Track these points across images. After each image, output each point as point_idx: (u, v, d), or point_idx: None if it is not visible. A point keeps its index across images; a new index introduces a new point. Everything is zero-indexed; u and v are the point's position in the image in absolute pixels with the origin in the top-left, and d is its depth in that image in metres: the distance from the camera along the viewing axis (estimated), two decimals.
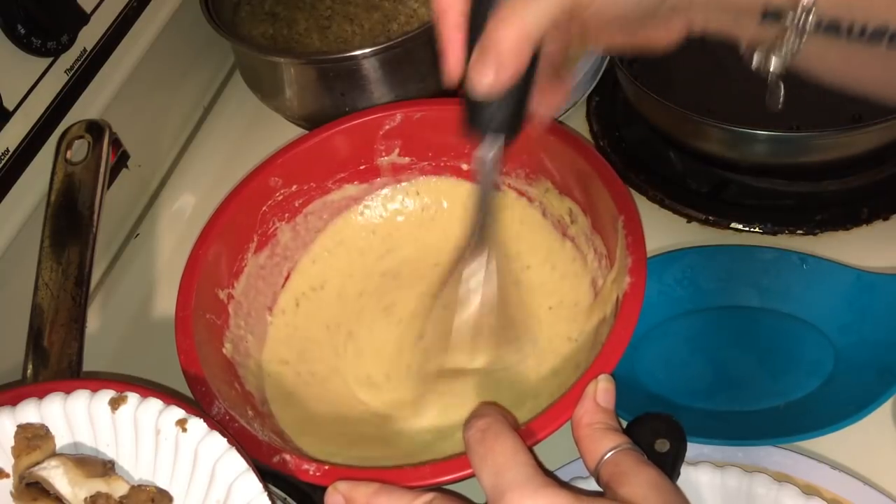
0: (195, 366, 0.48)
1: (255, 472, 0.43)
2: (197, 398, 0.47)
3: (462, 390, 0.52)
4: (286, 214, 0.59)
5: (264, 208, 0.57)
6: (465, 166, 0.60)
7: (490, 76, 0.36)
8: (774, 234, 0.62)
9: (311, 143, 0.58)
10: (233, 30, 0.70)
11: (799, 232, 0.61)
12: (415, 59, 0.66)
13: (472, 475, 0.40)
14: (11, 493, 0.44)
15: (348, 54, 0.64)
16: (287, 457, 0.44)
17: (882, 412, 0.50)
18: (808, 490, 0.47)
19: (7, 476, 0.45)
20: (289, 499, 0.51)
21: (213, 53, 0.81)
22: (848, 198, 0.62)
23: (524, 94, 0.39)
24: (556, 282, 0.57)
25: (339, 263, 0.61)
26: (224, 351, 0.52)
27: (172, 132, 0.77)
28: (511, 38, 0.35)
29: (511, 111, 0.39)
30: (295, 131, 0.74)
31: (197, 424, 0.44)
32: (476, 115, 0.39)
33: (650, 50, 0.40)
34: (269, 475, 0.49)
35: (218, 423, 0.44)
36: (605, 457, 0.40)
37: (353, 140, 0.59)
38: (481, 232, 0.45)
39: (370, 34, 0.69)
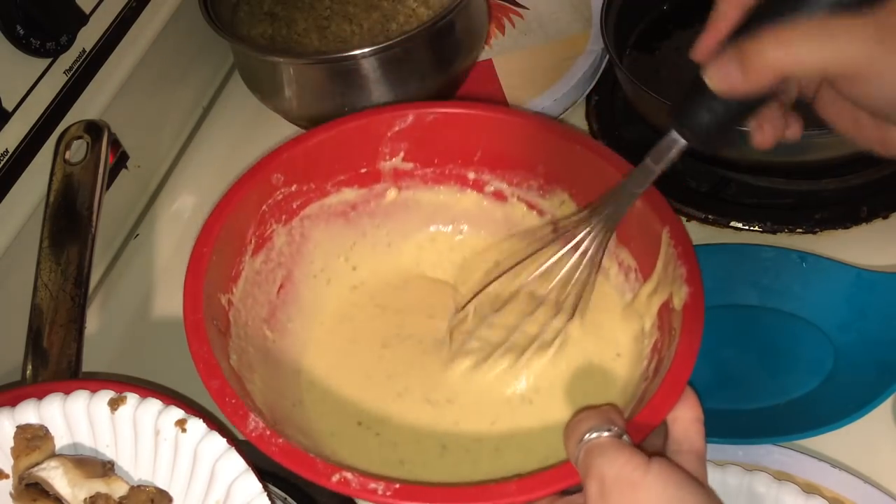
0: (218, 375, 0.43)
1: (254, 472, 0.43)
2: (227, 413, 0.42)
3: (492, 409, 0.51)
4: (283, 216, 0.55)
5: (264, 207, 0.54)
6: (471, 175, 0.57)
7: (730, 79, 0.35)
8: (774, 232, 0.62)
9: (317, 140, 0.54)
10: (232, 30, 0.70)
11: (798, 230, 0.61)
12: (414, 58, 0.66)
13: (560, 489, 0.39)
14: (11, 493, 0.45)
15: (347, 54, 0.64)
16: (349, 475, 0.39)
17: (882, 410, 0.50)
18: (809, 488, 0.47)
19: (7, 477, 0.45)
20: (289, 499, 0.51)
21: (212, 54, 0.81)
22: (847, 196, 0.62)
23: (739, 115, 0.38)
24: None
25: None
26: (231, 362, 0.48)
27: (171, 132, 0.77)
28: (771, 60, 0.34)
29: (717, 123, 0.38)
30: (294, 131, 0.74)
31: (196, 425, 0.44)
32: (686, 107, 0.39)
33: None
34: (268, 475, 0.49)
35: (256, 441, 0.40)
36: (583, 439, 0.38)
37: (361, 139, 0.56)
38: (603, 224, 0.46)
39: (369, 34, 0.69)
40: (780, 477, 0.47)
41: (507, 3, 0.78)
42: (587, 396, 0.51)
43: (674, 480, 0.35)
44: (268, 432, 0.41)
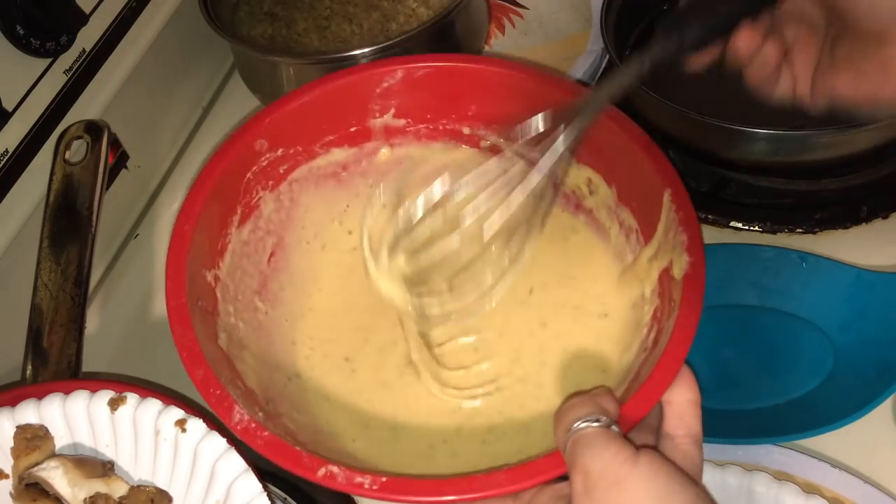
0: (202, 364, 0.41)
1: (254, 472, 0.43)
2: (212, 405, 0.41)
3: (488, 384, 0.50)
4: (270, 182, 0.53)
5: (249, 175, 0.51)
6: (466, 130, 0.55)
7: None
8: (774, 232, 0.62)
9: (302, 101, 0.52)
10: (232, 30, 0.70)
11: (798, 230, 0.61)
12: None
13: (550, 479, 0.38)
14: (11, 493, 0.45)
15: (347, 54, 0.64)
16: (335, 469, 0.38)
17: (882, 410, 0.50)
18: (808, 488, 0.47)
19: (6, 477, 0.45)
20: (289, 499, 0.51)
21: (212, 53, 0.81)
22: (847, 196, 0.62)
23: (724, 27, 0.40)
24: (566, 258, 0.54)
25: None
26: (220, 343, 0.46)
27: (171, 132, 0.77)
28: None
29: (700, 25, 0.40)
30: None
31: (196, 424, 0.44)
32: (680, 15, 0.41)
33: (879, 92, 0.38)
34: (268, 475, 0.49)
35: (241, 435, 0.39)
36: (571, 429, 0.37)
37: (348, 98, 0.53)
38: (569, 128, 0.43)
39: (369, 34, 0.69)
40: (780, 477, 0.47)
41: (507, 3, 0.78)
42: (578, 372, 0.50)
43: (662, 475, 0.34)
44: (252, 425, 0.40)
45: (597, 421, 0.36)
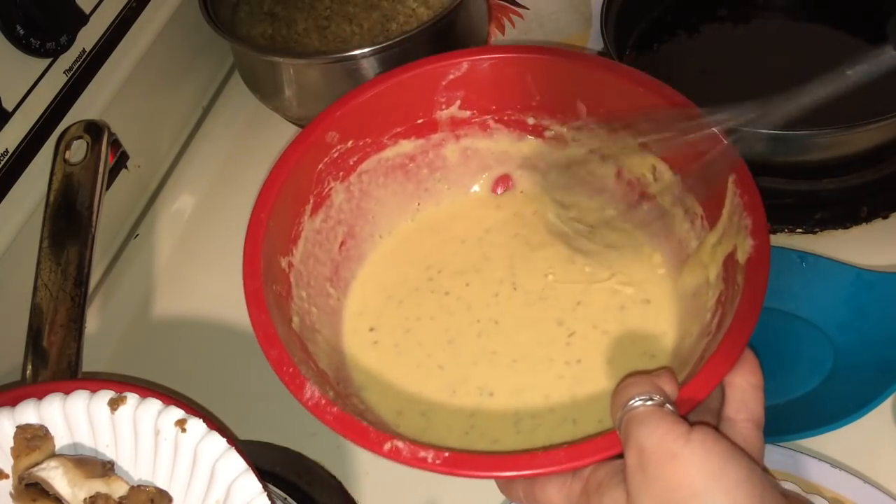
0: (277, 345, 0.43)
1: (254, 472, 0.43)
2: (285, 382, 0.42)
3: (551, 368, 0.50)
4: (340, 173, 0.55)
5: (320, 166, 0.53)
6: (530, 120, 0.56)
7: None
8: (774, 232, 0.62)
9: (371, 94, 0.54)
10: (232, 30, 0.70)
11: (798, 230, 0.61)
12: (414, 58, 0.66)
13: (608, 457, 0.38)
14: (11, 493, 0.44)
15: (347, 54, 0.64)
16: (400, 444, 0.39)
17: (882, 410, 0.50)
18: (809, 489, 0.47)
19: (6, 477, 0.45)
20: (289, 499, 0.51)
21: (212, 54, 0.81)
22: (847, 196, 0.62)
23: None
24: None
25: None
26: (293, 326, 0.48)
27: (171, 133, 0.77)
28: None
29: None
30: (295, 131, 0.74)
31: (196, 424, 0.44)
32: None
33: None
34: (268, 475, 0.49)
35: (312, 410, 0.41)
36: (625, 407, 0.37)
37: (415, 90, 0.55)
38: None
39: (369, 34, 0.69)
40: (780, 477, 0.47)
41: (507, 3, 0.78)
42: (625, 361, 0.50)
43: (716, 452, 0.34)
44: (323, 401, 0.41)
45: (651, 399, 0.36)
